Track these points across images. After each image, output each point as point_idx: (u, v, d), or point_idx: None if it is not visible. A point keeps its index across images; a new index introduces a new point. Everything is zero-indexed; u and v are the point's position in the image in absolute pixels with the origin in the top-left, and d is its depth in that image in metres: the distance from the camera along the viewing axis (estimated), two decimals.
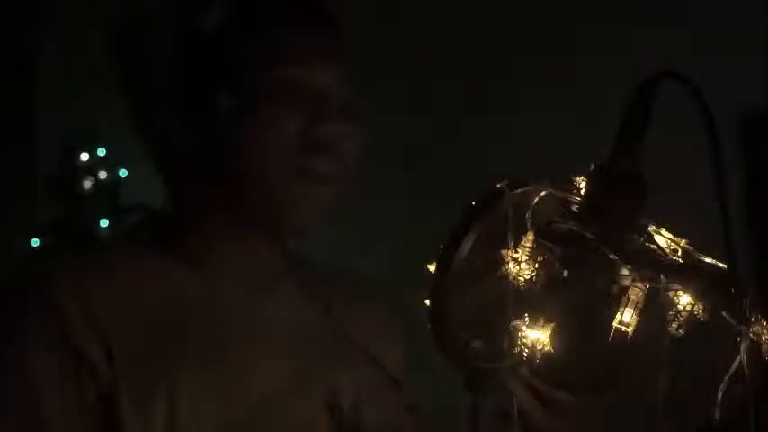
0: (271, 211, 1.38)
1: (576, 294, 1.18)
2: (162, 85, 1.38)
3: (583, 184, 1.20)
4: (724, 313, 1.12)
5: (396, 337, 1.54)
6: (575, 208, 1.19)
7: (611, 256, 1.15)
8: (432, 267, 1.19)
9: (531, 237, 1.16)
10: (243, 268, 1.41)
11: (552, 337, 1.16)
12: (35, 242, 3.71)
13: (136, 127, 1.42)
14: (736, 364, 1.09)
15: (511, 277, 1.16)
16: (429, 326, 1.20)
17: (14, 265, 1.78)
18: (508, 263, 1.16)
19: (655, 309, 1.15)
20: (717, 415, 1.10)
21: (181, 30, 1.38)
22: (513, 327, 1.16)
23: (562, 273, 1.17)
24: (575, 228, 1.17)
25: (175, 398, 1.32)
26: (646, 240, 1.18)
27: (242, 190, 1.38)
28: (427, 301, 1.19)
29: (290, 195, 1.37)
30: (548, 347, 1.16)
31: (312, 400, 1.40)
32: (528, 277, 1.16)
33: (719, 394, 1.10)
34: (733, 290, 1.10)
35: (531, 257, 1.16)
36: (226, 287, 1.40)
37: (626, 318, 1.15)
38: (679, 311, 1.13)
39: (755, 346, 1.10)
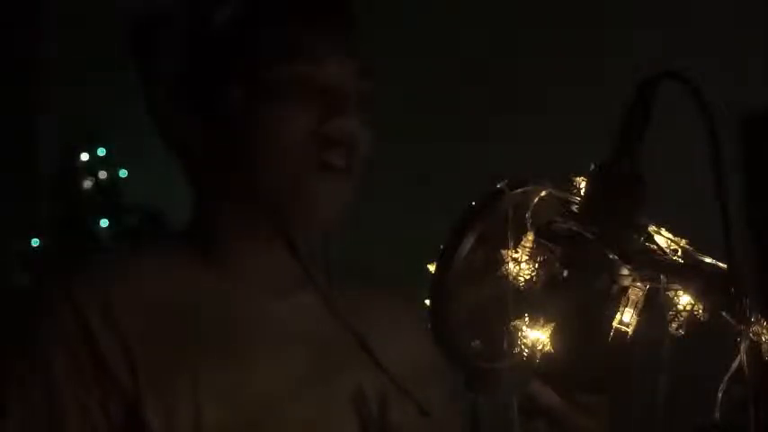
0: (287, 209, 1.38)
1: (576, 294, 1.17)
2: (175, 84, 1.39)
3: (583, 184, 1.20)
4: (724, 313, 1.12)
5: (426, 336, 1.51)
6: (575, 208, 1.19)
7: (611, 256, 1.15)
8: (432, 267, 1.19)
9: (531, 237, 1.16)
10: (261, 270, 1.41)
11: (552, 337, 1.16)
12: (35, 242, 3.71)
13: (155, 125, 1.42)
14: (736, 364, 1.09)
15: (511, 277, 1.16)
16: (429, 326, 1.20)
17: (34, 268, 1.80)
18: (508, 263, 1.16)
19: (655, 309, 1.15)
20: (717, 415, 1.10)
21: (192, 27, 1.38)
22: (513, 327, 1.16)
23: (562, 273, 1.17)
24: (575, 228, 1.17)
25: (199, 401, 1.32)
26: (646, 240, 1.18)
27: (257, 188, 1.37)
28: (427, 301, 1.19)
29: (306, 192, 1.36)
30: (548, 347, 1.16)
31: (331, 401, 1.39)
32: (528, 277, 1.16)
33: (719, 394, 1.10)
34: (733, 290, 1.10)
35: (531, 257, 1.16)
36: (243, 288, 1.40)
37: (626, 318, 1.15)
38: (679, 311, 1.13)
39: (755, 346, 1.10)
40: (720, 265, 1.13)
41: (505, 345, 1.17)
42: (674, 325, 1.14)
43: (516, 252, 1.16)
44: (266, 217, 1.39)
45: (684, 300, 1.13)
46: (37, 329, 1.35)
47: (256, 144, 1.36)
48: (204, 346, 1.36)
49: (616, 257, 1.15)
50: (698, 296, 1.13)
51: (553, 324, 1.16)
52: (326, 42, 1.38)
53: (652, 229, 1.19)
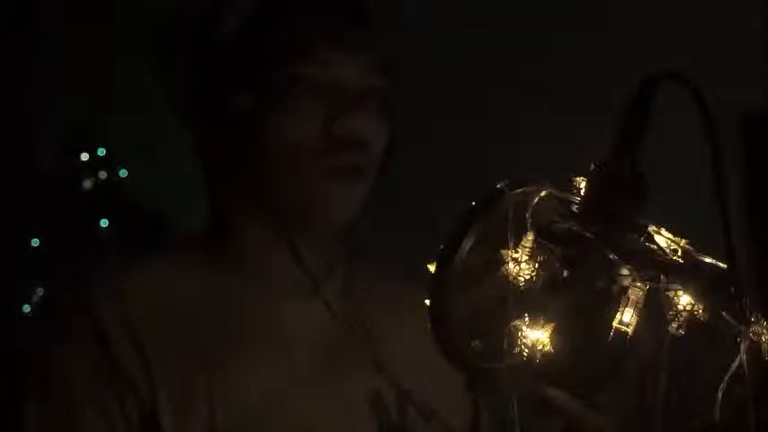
0: (299, 209, 1.38)
1: (576, 294, 1.17)
2: (185, 85, 1.39)
3: (583, 184, 1.20)
4: (724, 313, 1.12)
5: None
6: (575, 208, 1.19)
7: (611, 256, 1.15)
8: (432, 267, 1.19)
9: (531, 237, 1.16)
10: (274, 271, 1.41)
11: (552, 337, 1.16)
12: (35, 242, 3.71)
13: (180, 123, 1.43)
14: (736, 364, 1.09)
15: (511, 277, 1.16)
16: (429, 326, 1.20)
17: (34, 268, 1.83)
18: (508, 263, 1.16)
19: (655, 309, 1.15)
20: (717, 415, 1.10)
21: (200, 30, 1.38)
22: (513, 327, 1.16)
23: (562, 273, 1.17)
24: (575, 228, 1.17)
25: (212, 401, 1.32)
26: (646, 240, 1.18)
27: (267, 191, 1.38)
28: (427, 301, 1.19)
29: (317, 192, 1.36)
30: (548, 347, 1.16)
31: (343, 402, 1.40)
32: (528, 277, 1.16)
33: (719, 394, 1.10)
34: (733, 290, 1.10)
35: (531, 257, 1.16)
36: (256, 290, 1.40)
37: (626, 318, 1.15)
38: (679, 311, 1.13)
39: (755, 346, 1.10)
40: (720, 265, 1.13)
41: (505, 345, 1.17)
42: (674, 325, 1.14)
43: (516, 252, 1.16)
44: (281, 217, 1.39)
45: (684, 300, 1.13)
46: (53, 331, 1.36)
47: (264, 146, 1.36)
48: (217, 347, 1.36)
49: (616, 257, 1.15)
50: (698, 296, 1.13)
51: (553, 324, 1.16)
52: (329, 41, 1.38)
53: (652, 229, 1.19)
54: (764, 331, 1.11)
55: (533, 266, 1.16)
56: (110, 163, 3.85)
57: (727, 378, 1.10)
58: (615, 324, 1.15)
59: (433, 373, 1.39)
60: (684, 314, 1.13)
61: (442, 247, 1.18)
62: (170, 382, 1.32)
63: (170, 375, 1.33)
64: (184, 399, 1.32)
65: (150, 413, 1.32)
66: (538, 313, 1.16)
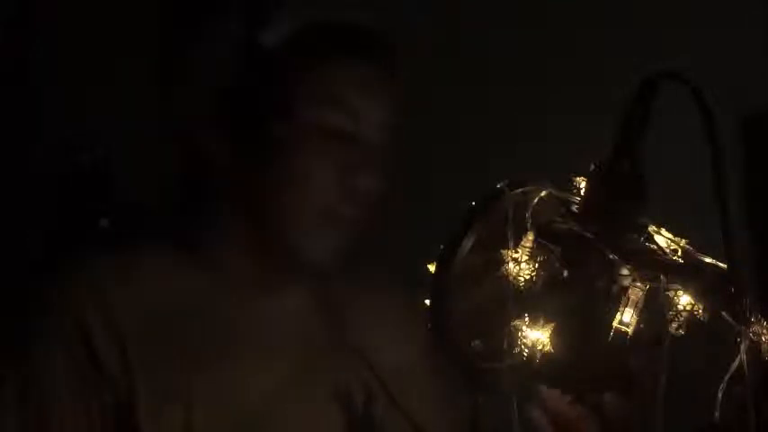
0: (289, 246, 1.39)
1: (576, 294, 1.18)
2: (216, 98, 1.38)
3: (583, 184, 1.20)
4: (724, 313, 1.12)
5: (419, 335, 1.51)
6: (575, 208, 1.19)
7: (611, 256, 1.15)
8: (432, 267, 1.19)
9: (531, 237, 1.17)
10: (254, 271, 1.42)
11: (552, 337, 1.16)
12: (36, 242, 3.71)
13: (174, 130, 1.43)
14: (736, 364, 1.09)
15: (511, 277, 1.16)
16: (429, 326, 1.20)
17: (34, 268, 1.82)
18: (508, 263, 1.16)
19: (655, 308, 1.15)
20: (717, 415, 1.10)
21: (242, 39, 1.38)
22: (513, 327, 1.16)
23: (562, 273, 1.17)
24: (575, 228, 1.17)
25: (190, 401, 1.33)
26: (646, 240, 1.18)
27: (266, 216, 1.38)
28: (427, 301, 1.19)
29: (310, 234, 1.37)
30: (548, 347, 1.16)
31: (319, 401, 1.40)
32: (528, 277, 1.16)
33: (719, 394, 1.10)
34: (733, 290, 1.10)
35: (531, 257, 1.16)
36: (236, 290, 1.41)
37: (626, 318, 1.15)
38: (679, 311, 1.13)
39: (755, 346, 1.10)
40: (720, 265, 1.13)
41: (505, 345, 1.17)
42: (674, 325, 1.14)
43: (516, 252, 1.16)
44: (268, 238, 1.40)
45: (684, 300, 1.13)
46: (37, 328, 1.36)
47: (280, 176, 1.37)
48: (198, 346, 1.37)
49: (616, 257, 1.15)
50: (698, 296, 1.13)
51: (553, 324, 1.16)
52: (369, 94, 1.39)
53: (652, 229, 1.19)
54: (764, 331, 1.11)
55: (533, 266, 1.16)
56: (110, 163, 3.85)
57: (727, 378, 1.10)
58: (615, 324, 1.15)
59: (409, 376, 1.40)
60: (684, 314, 1.13)
61: (441, 247, 1.18)
62: (151, 382, 1.33)
63: (151, 376, 1.33)
64: (162, 399, 1.33)
65: (128, 413, 1.32)
66: (538, 313, 1.17)
